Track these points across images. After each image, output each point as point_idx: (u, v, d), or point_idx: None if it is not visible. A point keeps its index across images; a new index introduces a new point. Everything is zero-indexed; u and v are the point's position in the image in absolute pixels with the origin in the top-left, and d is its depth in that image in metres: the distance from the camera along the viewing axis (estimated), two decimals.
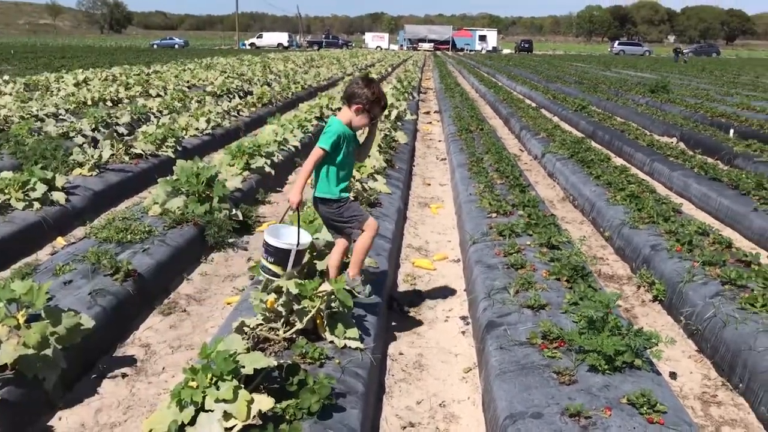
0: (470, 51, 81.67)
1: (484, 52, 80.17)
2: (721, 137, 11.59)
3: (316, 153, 3.74)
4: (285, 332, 3.46)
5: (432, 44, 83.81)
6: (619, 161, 10.30)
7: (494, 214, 6.18)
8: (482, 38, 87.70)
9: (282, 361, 2.99)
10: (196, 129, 10.58)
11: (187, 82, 20.36)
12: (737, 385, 3.71)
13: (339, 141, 3.76)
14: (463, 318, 4.61)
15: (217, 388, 2.66)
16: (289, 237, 3.80)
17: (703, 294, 4.42)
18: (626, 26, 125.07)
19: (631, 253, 5.74)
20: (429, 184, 8.97)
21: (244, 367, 2.74)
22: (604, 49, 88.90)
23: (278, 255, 3.68)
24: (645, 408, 2.90)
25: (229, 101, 14.72)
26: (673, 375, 3.92)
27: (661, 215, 6.04)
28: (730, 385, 3.77)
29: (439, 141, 12.74)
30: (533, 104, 18.58)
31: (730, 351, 3.84)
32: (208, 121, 11.03)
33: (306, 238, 3.86)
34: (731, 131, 12.30)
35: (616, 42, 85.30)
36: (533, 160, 10.89)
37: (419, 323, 4.50)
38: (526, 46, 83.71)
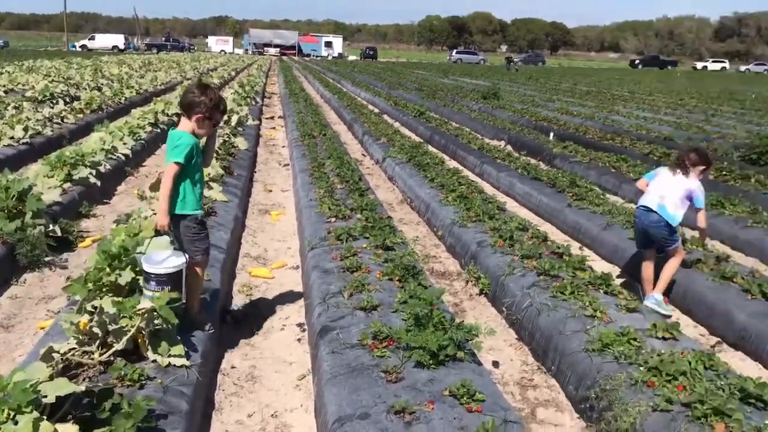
0: (316, 57, 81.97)
1: (330, 58, 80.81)
2: (543, 140, 12.61)
3: (171, 169, 3.55)
4: (101, 355, 3.23)
5: (278, 49, 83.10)
6: (453, 164, 10.83)
7: (333, 219, 6.23)
8: (328, 44, 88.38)
9: (93, 386, 2.78)
10: (12, 138, 9.62)
11: (3, 86, 18.50)
12: (550, 368, 4.03)
13: (192, 153, 3.63)
14: (300, 325, 4.58)
15: (15, 423, 2.42)
16: (166, 259, 3.59)
17: (522, 285, 4.76)
18: (463, 35, 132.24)
19: (460, 250, 6.04)
20: (270, 191, 8.85)
21: (46, 396, 2.51)
22: (444, 57, 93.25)
23: (172, 280, 3.54)
24: (465, 398, 3.05)
25: (52, 107, 13.59)
26: (495, 364, 4.17)
27: (486, 213, 6.42)
28: (545, 368, 4.08)
29: (283, 146, 12.65)
30: (376, 110, 19.04)
31: (544, 337, 4.16)
32: (25, 129, 10.07)
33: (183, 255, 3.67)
34: (551, 134, 13.42)
35: (454, 51, 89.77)
36: (375, 165, 11.14)
37: (254, 334, 4.40)
38: (371, 53, 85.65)
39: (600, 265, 6.06)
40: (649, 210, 4.90)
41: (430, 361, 3.31)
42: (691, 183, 4.87)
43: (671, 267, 4.95)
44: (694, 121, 17.72)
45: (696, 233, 5.70)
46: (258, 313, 4.74)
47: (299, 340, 4.36)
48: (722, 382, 3.29)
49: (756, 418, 3.01)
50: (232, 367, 3.93)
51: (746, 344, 4.46)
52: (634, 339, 3.74)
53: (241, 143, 10.22)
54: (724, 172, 9.37)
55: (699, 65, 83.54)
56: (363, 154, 12.22)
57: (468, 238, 5.99)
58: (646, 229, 4.93)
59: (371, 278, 4.61)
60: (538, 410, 3.64)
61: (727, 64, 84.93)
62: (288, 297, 5.07)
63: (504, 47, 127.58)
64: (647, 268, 5.09)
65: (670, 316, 4.78)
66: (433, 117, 16.41)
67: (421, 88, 28.01)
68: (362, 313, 4.06)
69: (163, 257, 3.64)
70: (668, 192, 4.88)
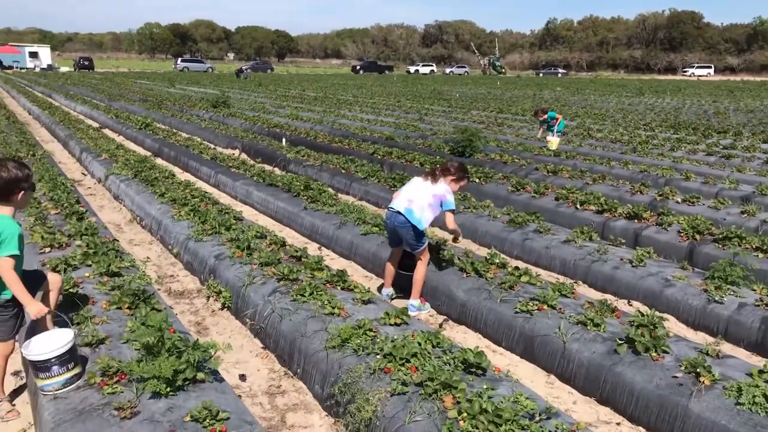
0: (21, 69, 72.60)
1: (38, 69, 72.13)
2: (276, 146, 12.76)
3: (7, 264, 3.26)
4: None
5: None
6: (186, 176, 10.44)
7: (48, 249, 5.55)
8: (33, 55, 78.75)
9: None
10: None
11: None
12: (296, 371, 4.06)
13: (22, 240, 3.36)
14: (16, 373, 4.00)
15: None
16: (53, 340, 3.30)
17: (263, 293, 4.73)
18: (188, 43, 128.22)
19: (198, 266, 5.81)
20: None
21: None
22: (169, 65, 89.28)
23: (74, 355, 3.31)
24: (208, 420, 2.92)
25: None
26: (242, 377, 4.08)
27: (223, 225, 6.27)
28: (291, 373, 4.10)
29: None
30: (95, 124, 17.54)
31: (288, 341, 4.18)
32: None
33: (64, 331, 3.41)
34: (284, 140, 13.65)
35: (179, 59, 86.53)
36: (98, 184, 10.23)
37: None
38: (86, 63, 78.42)
39: (338, 263, 6.33)
40: (397, 212, 5.11)
41: (168, 389, 3.11)
42: (439, 188, 5.08)
43: (420, 272, 5.18)
44: (411, 120, 19.45)
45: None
46: None
47: (16, 390, 3.79)
48: (448, 357, 3.63)
49: (477, 385, 3.36)
50: None
51: (467, 318, 5.00)
52: (370, 330, 3.94)
53: None
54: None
55: (412, 69, 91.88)
56: (83, 173, 11.14)
57: (205, 253, 5.78)
58: (396, 229, 5.15)
59: (96, 310, 4.19)
60: (287, 416, 3.64)
61: (434, 68, 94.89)
62: None
63: (231, 55, 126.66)
64: (390, 266, 5.40)
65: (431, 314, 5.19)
66: (160, 128, 15.61)
67: (145, 98, 26.47)
68: (88, 350, 3.66)
69: (42, 342, 3.31)
70: (416, 196, 5.06)
